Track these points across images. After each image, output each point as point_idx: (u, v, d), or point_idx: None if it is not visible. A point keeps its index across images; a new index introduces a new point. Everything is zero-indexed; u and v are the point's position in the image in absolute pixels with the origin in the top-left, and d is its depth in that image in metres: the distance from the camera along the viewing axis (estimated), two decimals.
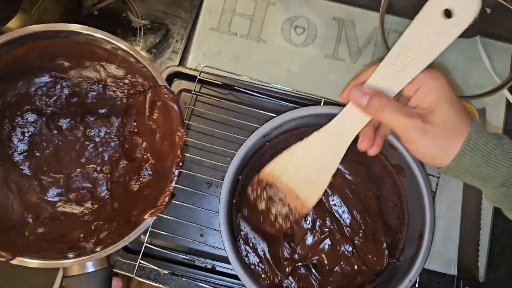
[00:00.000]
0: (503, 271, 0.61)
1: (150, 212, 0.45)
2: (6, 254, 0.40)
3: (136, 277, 0.56)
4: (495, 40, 0.67)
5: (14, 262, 0.40)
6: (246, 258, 0.53)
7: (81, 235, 0.47)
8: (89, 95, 0.54)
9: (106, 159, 0.54)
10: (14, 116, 0.50)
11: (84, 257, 0.43)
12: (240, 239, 0.53)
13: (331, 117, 0.53)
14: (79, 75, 0.52)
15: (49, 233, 0.48)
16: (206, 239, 0.60)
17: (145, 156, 0.53)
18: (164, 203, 0.45)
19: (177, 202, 0.58)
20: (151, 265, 0.56)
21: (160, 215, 0.56)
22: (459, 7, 0.37)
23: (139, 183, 0.51)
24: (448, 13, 0.37)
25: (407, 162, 0.51)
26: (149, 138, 0.51)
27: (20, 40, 0.45)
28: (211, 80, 0.61)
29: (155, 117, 0.50)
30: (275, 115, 0.61)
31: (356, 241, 0.54)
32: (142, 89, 0.51)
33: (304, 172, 0.48)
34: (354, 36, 0.66)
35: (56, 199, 0.51)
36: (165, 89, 0.47)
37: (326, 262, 0.53)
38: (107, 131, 0.54)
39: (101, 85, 0.53)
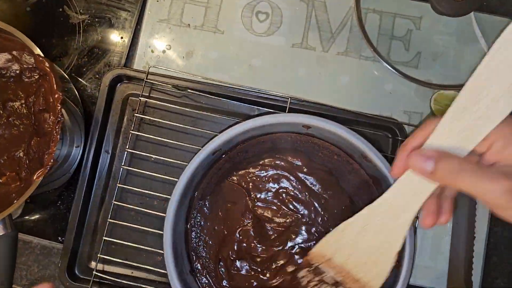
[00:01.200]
0: (501, 285, 0.54)
1: (36, 173, 0.46)
2: None
3: None
4: (492, 14, 0.57)
5: None
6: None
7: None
8: (8, 84, 0.55)
9: (26, 139, 0.55)
10: None
11: None
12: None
13: (291, 126, 0.46)
14: None
15: None
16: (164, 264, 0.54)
17: (53, 130, 0.52)
18: (49, 165, 0.45)
19: (128, 224, 0.52)
20: None
21: (110, 239, 0.51)
22: None
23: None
24: None
25: (384, 175, 0.44)
26: (54, 112, 0.52)
27: None
28: (160, 83, 0.53)
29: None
30: (237, 119, 0.54)
31: None
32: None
33: (361, 251, 0.41)
34: (326, 19, 0.57)
35: None
36: (40, 57, 0.47)
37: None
38: (25, 112, 0.55)
39: (16, 73, 0.54)
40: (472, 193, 0.32)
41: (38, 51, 0.46)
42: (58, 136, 0.45)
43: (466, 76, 0.55)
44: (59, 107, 0.45)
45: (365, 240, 0.40)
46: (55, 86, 0.46)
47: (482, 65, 0.30)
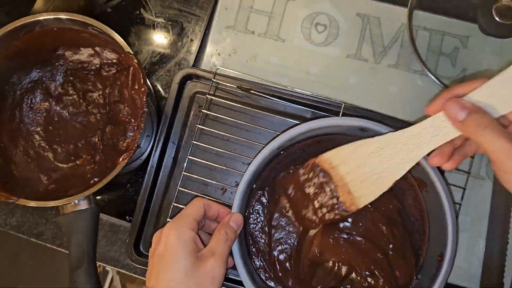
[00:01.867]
0: None
1: (121, 157, 0.51)
2: (14, 198, 0.50)
3: None
4: None
5: (17, 202, 0.49)
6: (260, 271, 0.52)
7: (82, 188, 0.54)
8: (88, 76, 0.61)
9: (101, 127, 0.61)
10: (30, 99, 0.61)
11: (69, 198, 0.50)
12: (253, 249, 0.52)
13: (348, 128, 0.51)
14: (78, 60, 0.60)
15: (57, 189, 0.56)
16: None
17: (127, 119, 0.59)
18: (133, 150, 0.51)
19: None
20: None
21: None
22: None
23: (126, 143, 0.58)
24: None
25: (430, 178, 0.48)
26: (130, 104, 0.59)
27: (12, 33, 0.52)
28: (226, 83, 0.59)
29: (136, 88, 0.57)
30: (292, 120, 0.59)
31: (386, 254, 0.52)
32: (126, 66, 0.58)
33: (366, 169, 0.45)
34: (379, 34, 0.62)
35: (66, 165, 0.60)
36: (130, 55, 0.52)
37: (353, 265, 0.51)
38: (102, 103, 0.62)
39: (96, 67, 0.61)
40: (490, 148, 0.35)
41: (128, 48, 0.51)
42: (142, 125, 0.50)
43: None
44: (144, 99, 0.51)
45: (373, 161, 0.44)
46: (141, 80, 0.51)
47: None
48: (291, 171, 0.53)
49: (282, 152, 0.54)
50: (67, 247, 0.49)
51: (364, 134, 0.52)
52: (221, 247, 0.43)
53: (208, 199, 0.57)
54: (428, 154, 0.43)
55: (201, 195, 0.58)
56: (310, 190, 0.49)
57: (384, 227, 0.52)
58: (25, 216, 0.62)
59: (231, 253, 0.46)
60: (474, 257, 0.58)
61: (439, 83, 0.59)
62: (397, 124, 0.57)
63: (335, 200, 0.48)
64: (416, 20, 0.62)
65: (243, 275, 0.47)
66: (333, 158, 0.47)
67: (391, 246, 0.51)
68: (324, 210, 0.49)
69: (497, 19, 0.56)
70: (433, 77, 0.59)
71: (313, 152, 0.55)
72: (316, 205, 0.49)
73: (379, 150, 0.44)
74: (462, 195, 0.55)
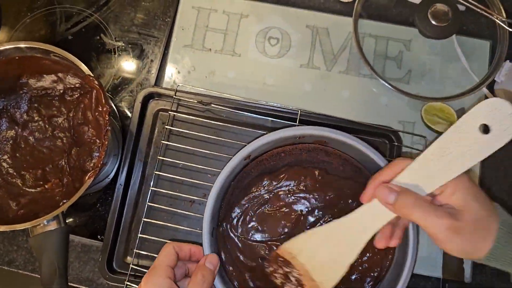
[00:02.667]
0: (490, 272, 0.61)
1: (87, 175, 0.52)
2: None
3: None
4: (471, 37, 0.66)
5: None
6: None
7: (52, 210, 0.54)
8: (53, 102, 0.63)
9: (66, 149, 0.63)
10: None
11: (39, 219, 0.50)
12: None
13: (308, 136, 0.53)
14: (41, 87, 0.61)
15: (27, 213, 0.56)
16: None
17: (91, 140, 0.60)
18: (98, 167, 0.52)
19: (160, 223, 0.59)
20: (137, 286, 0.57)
21: (144, 236, 0.57)
22: (496, 124, 0.37)
23: (92, 163, 0.59)
24: (485, 129, 0.37)
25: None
26: (94, 126, 0.60)
27: None
28: (187, 99, 0.61)
29: (99, 109, 0.58)
30: (253, 130, 0.61)
31: None
32: (90, 89, 0.59)
33: (321, 257, 0.47)
34: (329, 43, 0.66)
35: (34, 189, 0.60)
36: (91, 77, 0.54)
37: None
38: (67, 126, 0.64)
39: (60, 92, 0.62)
40: (421, 225, 0.40)
41: (88, 71, 0.54)
42: (106, 143, 0.52)
43: (451, 90, 0.64)
44: (107, 118, 0.53)
45: (326, 248, 0.47)
46: (103, 100, 0.54)
47: (449, 130, 0.39)
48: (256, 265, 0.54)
49: (250, 162, 0.56)
50: (38, 267, 0.50)
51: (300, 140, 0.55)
52: None
53: (177, 212, 0.59)
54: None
55: (168, 209, 0.60)
56: (277, 281, 0.50)
57: None
58: None
59: None
60: (435, 246, 0.61)
61: (387, 84, 0.63)
62: (352, 125, 0.61)
63: None
64: (361, 28, 0.66)
65: None
66: (291, 248, 0.49)
67: None
68: None
69: (433, 22, 0.61)
70: (381, 80, 0.63)
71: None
72: None
73: (328, 237, 0.46)
74: None
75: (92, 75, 0.54)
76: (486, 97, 0.64)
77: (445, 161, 0.39)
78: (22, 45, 0.54)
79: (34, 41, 0.54)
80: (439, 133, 0.62)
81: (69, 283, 0.54)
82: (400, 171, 0.41)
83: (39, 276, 0.61)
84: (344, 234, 0.45)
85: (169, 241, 0.48)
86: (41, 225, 0.51)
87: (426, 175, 0.40)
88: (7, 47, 0.54)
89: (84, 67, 0.54)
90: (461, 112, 0.63)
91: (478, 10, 0.60)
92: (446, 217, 0.38)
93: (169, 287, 0.43)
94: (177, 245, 0.47)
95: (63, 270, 0.50)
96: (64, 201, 0.57)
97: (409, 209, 0.39)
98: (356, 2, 0.65)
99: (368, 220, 0.44)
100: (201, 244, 0.49)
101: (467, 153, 0.38)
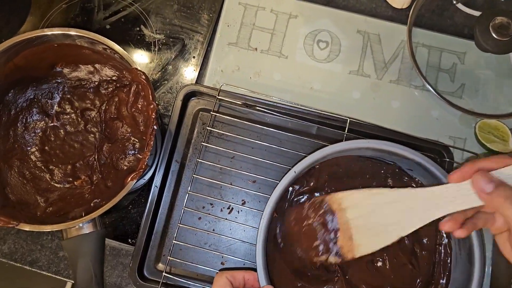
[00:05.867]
0: None
1: (130, 176, 0.49)
2: (14, 222, 0.47)
3: None
4: None
5: (18, 227, 0.46)
6: None
7: (83, 213, 0.51)
8: (87, 94, 0.60)
9: (97, 145, 0.60)
10: (26, 118, 0.58)
11: (75, 221, 0.47)
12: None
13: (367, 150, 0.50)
14: (76, 77, 0.59)
15: (56, 211, 0.54)
16: (227, 267, 0.57)
17: (126, 137, 0.58)
18: (142, 168, 0.49)
19: (196, 229, 0.56)
20: None
21: (179, 242, 0.54)
22: None
23: (126, 161, 0.56)
24: None
25: None
26: (130, 122, 0.57)
27: (13, 48, 0.50)
28: (231, 100, 0.58)
29: (139, 105, 0.56)
30: (298, 136, 0.58)
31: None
32: (127, 82, 0.57)
33: (374, 219, 0.44)
34: (380, 50, 0.63)
35: (63, 185, 0.57)
36: (138, 71, 0.51)
37: None
38: (99, 121, 0.61)
39: (95, 84, 0.59)
40: (511, 220, 0.37)
41: (135, 64, 0.50)
42: (152, 143, 0.49)
43: (505, 107, 0.62)
44: (154, 116, 0.49)
45: (384, 212, 0.43)
46: (150, 96, 0.50)
47: None
48: (296, 204, 0.52)
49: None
50: (72, 273, 0.46)
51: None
52: None
53: (214, 217, 0.56)
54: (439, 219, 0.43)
55: (206, 214, 0.57)
56: (311, 227, 0.47)
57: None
58: (17, 243, 0.58)
59: None
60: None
61: (439, 97, 0.60)
62: (401, 138, 0.58)
63: (333, 243, 0.46)
64: (415, 37, 0.63)
65: None
66: (344, 199, 0.46)
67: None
68: (320, 249, 0.47)
69: (494, 35, 0.58)
70: (434, 91, 0.60)
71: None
72: (312, 242, 0.47)
73: (394, 202, 0.43)
74: None
75: (139, 69, 0.50)
76: None
77: None
78: (72, 32, 0.50)
79: (72, 28, 0.51)
80: (494, 152, 0.59)
81: None
82: (503, 166, 0.39)
83: (60, 278, 0.58)
84: (413, 205, 0.42)
85: (219, 271, 0.47)
86: (77, 227, 0.48)
87: None
88: (55, 32, 0.50)
89: (130, 59, 0.51)
90: None
91: None
92: None
93: None
94: (230, 274, 0.46)
95: (100, 278, 0.46)
96: (96, 200, 0.54)
97: (505, 204, 0.37)
98: (412, 9, 0.62)
99: (447, 200, 0.40)
100: (252, 269, 0.47)
101: None
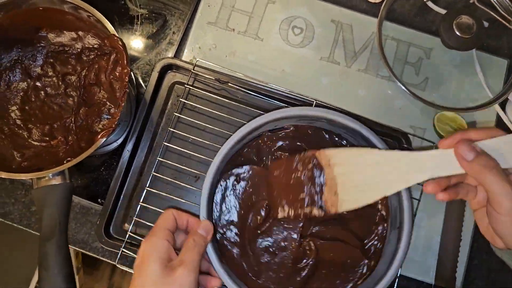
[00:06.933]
0: (479, 285, 0.62)
1: (101, 134, 0.52)
2: None
3: (118, 265, 0.57)
4: (491, 54, 0.67)
5: None
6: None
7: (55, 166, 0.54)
8: (69, 59, 0.62)
9: (74, 108, 0.63)
10: (9, 77, 0.61)
11: (45, 171, 0.50)
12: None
13: (317, 118, 0.54)
14: (60, 43, 0.61)
15: (30, 166, 0.56)
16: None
17: (102, 102, 0.60)
18: (112, 127, 0.52)
19: (163, 194, 0.59)
20: (134, 254, 0.56)
21: (145, 205, 0.57)
22: None
23: (101, 125, 0.59)
24: None
25: None
26: (107, 88, 0.60)
27: (2, 7, 0.54)
28: (205, 75, 0.61)
29: (117, 73, 0.58)
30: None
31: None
32: (108, 51, 0.59)
33: (359, 177, 0.46)
34: (351, 40, 0.66)
35: (40, 143, 0.60)
36: (116, 37, 0.54)
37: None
38: (79, 85, 0.64)
39: (77, 51, 0.62)
40: (490, 189, 0.39)
41: (113, 30, 0.53)
42: (123, 104, 0.52)
43: (465, 102, 0.65)
44: (126, 79, 0.52)
45: (369, 171, 0.46)
46: (125, 61, 0.53)
47: None
48: (283, 157, 0.54)
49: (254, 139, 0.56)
50: (38, 220, 0.49)
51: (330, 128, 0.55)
52: (188, 254, 0.44)
53: (181, 185, 0.59)
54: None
55: (173, 181, 0.60)
56: (299, 180, 0.50)
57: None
58: None
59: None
60: (429, 251, 0.62)
61: (404, 88, 0.63)
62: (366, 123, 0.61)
63: (318, 197, 0.49)
64: (385, 30, 0.66)
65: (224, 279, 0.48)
66: (333, 156, 0.48)
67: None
68: (305, 201, 0.49)
69: (457, 33, 0.62)
70: (399, 83, 0.64)
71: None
72: (298, 195, 0.50)
73: (381, 163, 0.45)
74: (420, 192, 0.58)
75: (117, 35, 0.53)
76: (498, 115, 0.65)
77: None
78: None
79: None
80: None
81: None
82: (490, 137, 0.41)
83: (33, 232, 0.60)
84: (398, 167, 0.44)
85: (168, 207, 0.49)
86: (46, 178, 0.51)
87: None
88: None
89: (110, 27, 0.54)
90: (472, 125, 0.64)
91: (505, 22, 0.61)
92: None
93: (166, 248, 0.44)
94: (176, 212, 0.48)
95: (64, 226, 0.49)
96: (68, 159, 0.57)
97: (484, 172, 0.39)
98: (384, 3, 0.66)
99: (432, 165, 0.42)
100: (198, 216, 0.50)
101: None
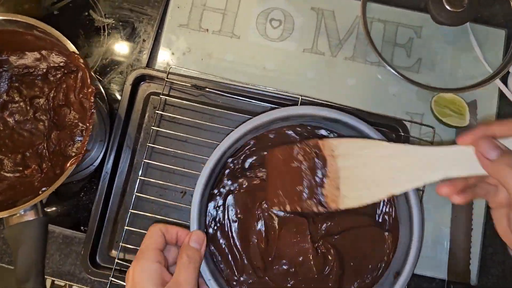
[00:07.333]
0: (496, 274, 0.58)
1: (70, 161, 0.48)
2: None
3: None
4: (486, 25, 0.62)
5: None
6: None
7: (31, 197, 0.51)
8: (35, 81, 0.58)
9: (46, 133, 0.58)
10: None
11: (15, 208, 0.46)
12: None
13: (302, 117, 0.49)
14: (23, 65, 0.57)
15: (5, 200, 0.52)
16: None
17: (74, 124, 0.56)
18: (81, 153, 0.48)
19: (149, 214, 0.55)
20: (124, 282, 0.53)
21: (131, 228, 0.53)
22: None
23: (75, 148, 0.55)
24: None
25: None
26: (78, 108, 0.56)
27: None
28: (180, 82, 0.57)
29: (85, 90, 0.54)
30: (251, 117, 0.57)
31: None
32: (75, 68, 0.55)
33: (366, 171, 0.41)
34: (335, 27, 0.62)
35: (13, 174, 0.56)
36: (76, 54, 0.50)
37: None
38: (48, 108, 0.59)
39: (43, 71, 0.58)
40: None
41: (73, 48, 0.49)
42: (91, 127, 0.48)
43: (463, 81, 0.61)
44: (92, 99, 0.48)
45: (378, 166, 0.40)
46: (89, 80, 0.49)
47: None
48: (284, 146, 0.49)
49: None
50: (13, 262, 0.46)
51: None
52: (183, 273, 0.40)
53: (167, 203, 0.55)
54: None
55: (158, 200, 0.56)
56: (299, 169, 0.44)
57: None
58: None
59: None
60: (439, 245, 0.58)
61: (395, 73, 0.59)
62: (357, 114, 0.57)
63: (318, 190, 0.44)
64: (370, 12, 0.62)
65: None
66: (338, 147, 0.43)
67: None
68: (303, 193, 0.44)
69: (447, 7, 0.57)
70: (389, 67, 0.59)
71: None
72: (297, 186, 0.45)
73: (390, 157, 0.40)
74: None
75: (78, 53, 0.49)
76: (500, 90, 0.61)
77: None
78: (0, 17, 0.49)
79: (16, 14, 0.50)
80: (450, 126, 0.58)
81: (49, 277, 0.50)
82: None
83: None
84: (410, 163, 0.39)
85: (154, 223, 0.44)
86: (18, 214, 0.47)
87: None
88: None
89: (69, 44, 0.49)
90: (473, 105, 0.60)
91: None
92: None
93: (159, 272, 0.40)
94: (164, 227, 0.43)
95: (41, 267, 0.46)
96: (44, 188, 0.53)
97: (509, 172, 0.34)
98: None
99: (448, 163, 0.37)
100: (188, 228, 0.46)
101: None
